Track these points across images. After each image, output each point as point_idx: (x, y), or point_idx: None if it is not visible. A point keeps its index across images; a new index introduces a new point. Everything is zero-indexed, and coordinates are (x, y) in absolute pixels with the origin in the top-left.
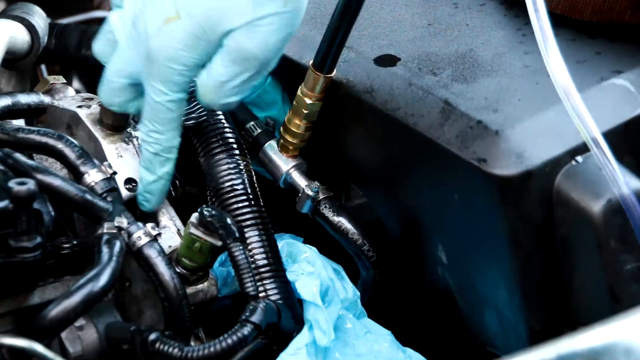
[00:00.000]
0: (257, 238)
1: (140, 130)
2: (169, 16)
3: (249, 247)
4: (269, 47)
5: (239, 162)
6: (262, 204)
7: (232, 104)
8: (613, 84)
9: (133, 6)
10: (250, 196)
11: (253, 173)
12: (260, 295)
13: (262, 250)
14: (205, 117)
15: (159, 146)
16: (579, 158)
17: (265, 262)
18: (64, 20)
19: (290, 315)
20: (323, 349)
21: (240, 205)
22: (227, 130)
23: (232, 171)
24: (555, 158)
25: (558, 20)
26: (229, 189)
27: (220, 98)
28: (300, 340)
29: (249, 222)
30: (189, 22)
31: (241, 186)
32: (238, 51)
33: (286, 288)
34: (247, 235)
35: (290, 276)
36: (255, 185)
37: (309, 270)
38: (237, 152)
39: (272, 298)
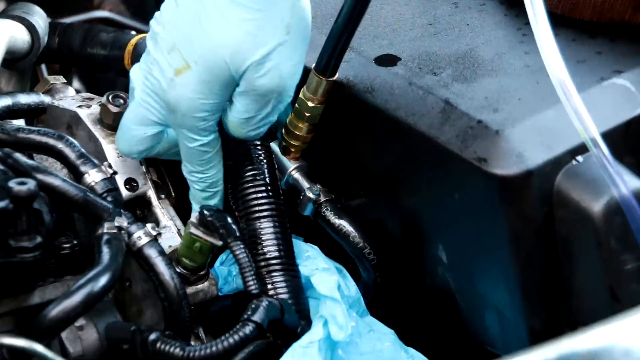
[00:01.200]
0: (270, 230)
1: (182, 169)
2: (178, 67)
3: (263, 237)
4: (284, 77)
5: (261, 151)
6: (281, 195)
7: (262, 132)
8: (613, 83)
9: (145, 59)
10: (271, 187)
11: (275, 164)
12: (268, 287)
13: (274, 242)
14: None
15: (203, 184)
16: (580, 158)
17: (276, 254)
18: (64, 21)
19: (294, 311)
20: (336, 345)
21: (260, 195)
22: None
23: (254, 160)
24: (555, 158)
25: (558, 20)
26: (250, 178)
27: (249, 132)
28: (315, 334)
29: (266, 213)
30: (200, 70)
31: (262, 176)
32: (254, 90)
33: (294, 282)
34: (261, 225)
35: (304, 271)
36: (277, 176)
37: (324, 266)
38: (258, 140)
39: (280, 292)
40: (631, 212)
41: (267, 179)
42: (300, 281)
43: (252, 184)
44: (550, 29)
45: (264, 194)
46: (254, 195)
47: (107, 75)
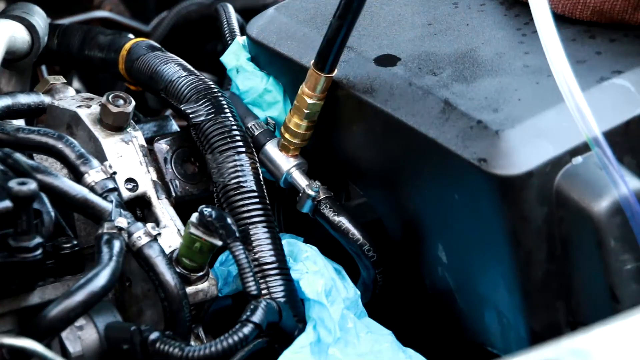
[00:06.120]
0: (262, 235)
1: None
2: None
3: (254, 244)
4: None
5: (246, 159)
6: (268, 201)
7: None
8: (613, 83)
9: None
10: (257, 193)
11: (260, 170)
12: (263, 292)
13: (267, 247)
14: (213, 115)
15: None
16: (579, 158)
17: (270, 259)
18: (64, 20)
19: (292, 314)
20: (326, 348)
21: (247, 202)
22: (234, 127)
23: (239, 168)
24: (555, 158)
25: (558, 20)
26: (235, 185)
27: None
28: (305, 339)
29: (255, 220)
30: None
31: (248, 183)
32: None
33: (289, 286)
34: (253, 232)
35: (294, 275)
36: (262, 182)
37: (314, 269)
38: (243, 149)
39: (275, 296)
40: (632, 212)
41: (255, 186)
42: (294, 285)
43: (238, 191)
44: (555, 26)
45: (251, 201)
46: (242, 202)
47: (107, 75)
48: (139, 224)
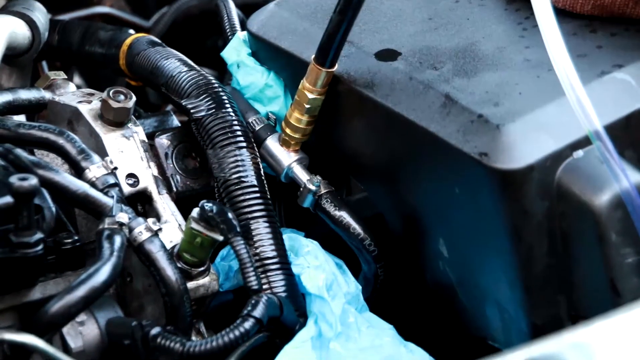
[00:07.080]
0: (264, 230)
1: None
2: None
3: (255, 238)
4: None
5: (247, 154)
6: (269, 196)
7: None
8: (614, 77)
9: None
10: (258, 188)
11: (261, 165)
12: (264, 287)
13: (268, 242)
14: (214, 110)
15: None
16: (580, 152)
17: (271, 254)
18: (65, 16)
19: (293, 309)
20: (328, 343)
21: (248, 197)
22: (235, 122)
23: (240, 163)
24: (556, 152)
25: (559, 15)
26: (236, 180)
27: None
28: (306, 334)
29: (256, 214)
30: None
31: (249, 178)
32: None
33: (291, 281)
34: (254, 227)
35: (295, 269)
36: (263, 177)
37: (315, 263)
38: (244, 144)
39: (276, 291)
40: (633, 205)
41: (256, 181)
42: (295, 279)
43: (239, 186)
44: (556, 20)
45: (252, 195)
46: (243, 197)
47: (108, 70)
48: (140, 219)
